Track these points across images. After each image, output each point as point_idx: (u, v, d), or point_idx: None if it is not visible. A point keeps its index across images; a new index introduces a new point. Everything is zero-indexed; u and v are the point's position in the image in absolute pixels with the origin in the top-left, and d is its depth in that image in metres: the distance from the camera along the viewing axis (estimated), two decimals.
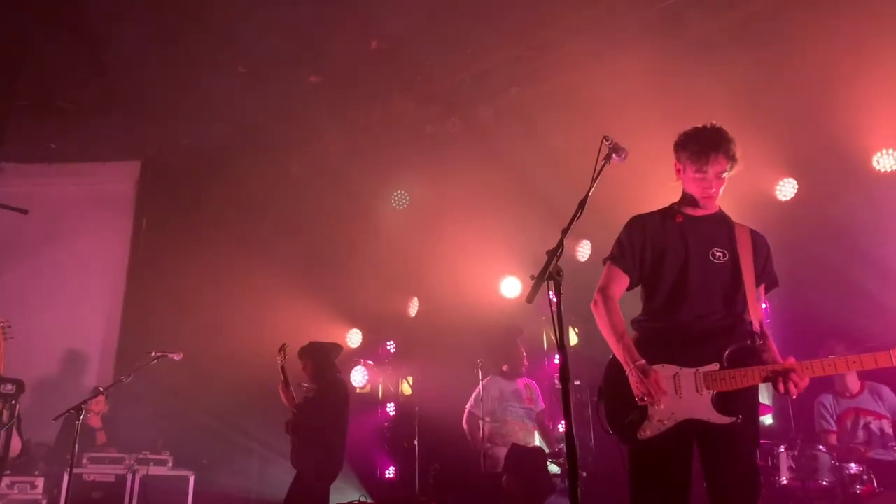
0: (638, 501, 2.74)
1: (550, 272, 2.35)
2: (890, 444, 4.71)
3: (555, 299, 2.38)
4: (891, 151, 5.50)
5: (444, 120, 7.17)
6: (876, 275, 4.53)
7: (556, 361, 2.51)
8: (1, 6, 6.10)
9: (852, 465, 4.38)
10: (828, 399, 5.05)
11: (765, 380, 2.68)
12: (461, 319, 7.08)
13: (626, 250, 2.96)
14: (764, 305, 3.02)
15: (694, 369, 2.73)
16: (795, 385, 2.64)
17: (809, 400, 5.18)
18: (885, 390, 4.95)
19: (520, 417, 5.81)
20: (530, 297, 2.33)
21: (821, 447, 4.52)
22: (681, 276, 2.86)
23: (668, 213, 3.01)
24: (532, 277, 2.36)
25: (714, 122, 2.95)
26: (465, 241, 6.96)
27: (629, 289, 3.00)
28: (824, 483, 4.37)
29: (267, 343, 7.18)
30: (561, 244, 2.42)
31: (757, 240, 2.95)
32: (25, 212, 8.13)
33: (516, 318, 6.43)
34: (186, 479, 6.18)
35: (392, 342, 8.01)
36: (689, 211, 2.98)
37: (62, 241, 8.32)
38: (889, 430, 4.81)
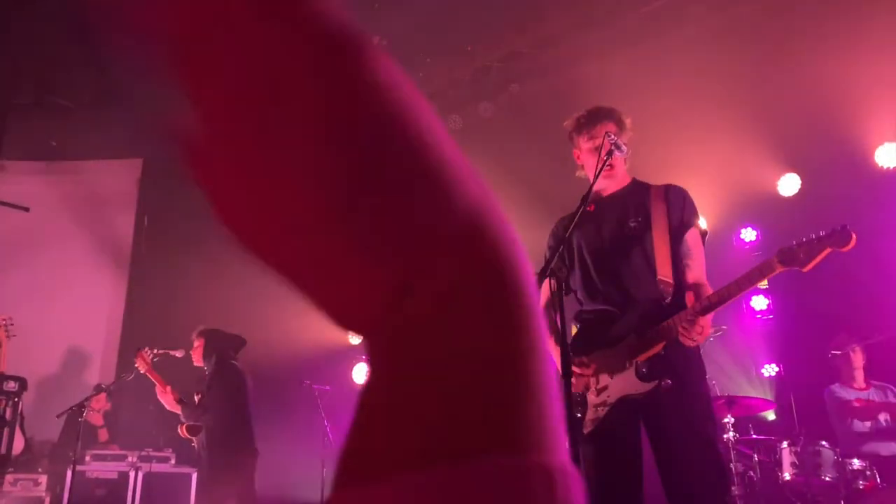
0: (588, 492, 2.68)
1: (552, 269, 2.35)
2: (892, 438, 4.71)
3: (557, 298, 2.39)
4: (893, 146, 5.48)
5: (444, 117, 7.16)
6: (881, 271, 4.51)
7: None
8: (1, 3, 6.10)
9: (855, 460, 4.38)
10: (836, 386, 5.05)
11: (669, 335, 2.57)
12: None
13: (547, 259, 2.95)
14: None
15: (617, 346, 2.70)
16: (685, 329, 2.53)
17: (812, 395, 5.17)
18: (891, 388, 4.95)
19: None
20: None
21: (824, 443, 4.51)
22: (596, 258, 2.85)
23: (581, 205, 2.97)
24: (534, 274, 2.36)
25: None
26: None
27: (566, 293, 2.96)
28: (827, 479, 4.37)
29: (272, 339, 7.20)
30: (562, 240, 2.43)
31: (670, 192, 2.86)
32: (27, 209, 8.14)
33: None
34: (189, 477, 6.18)
35: None
36: (603, 193, 2.95)
37: (63, 239, 8.32)
38: (894, 425, 4.81)
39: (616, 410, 2.66)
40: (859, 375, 5.01)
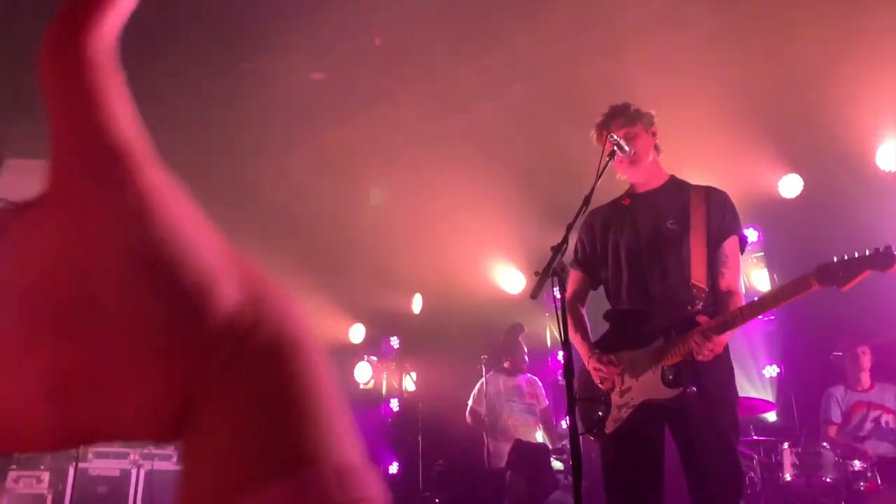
0: (608, 494, 2.69)
1: (555, 268, 2.35)
2: (894, 439, 4.71)
3: (559, 295, 2.39)
4: (893, 143, 5.48)
5: (446, 117, 7.17)
6: (884, 275, 4.49)
7: (560, 358, 2.49)
8: (3, 1, 6.11)
9: (856, 462, 4.38)
10: (839, 391, 5.04)
11: (685, 348, 2.55)
12: (464, 315, 7.10)
13: (578, 250, 2.96)
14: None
15: (645, 349, 2.67)
16: (697, 345, 2.50)
17: (813, 396, 5.18)
18: (893, 388, 4.94)
19: (520, 413, 5.83)
20: (535, 294, 2.33)
21: (825, 444, 4.52)
22: (632, 258, 2.80)
23: (618, 199, 2.97)
24: (536, 274, 2.36)
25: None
26: (469, 237, 6.98)
27: (594, 287, 2.98)
28: (828, 480, 4.38)
29: None
30: (565, 240, 2.43)
31: (712, 197, 2.81)
32: None
33: (519, 313, 6.44)
34: None
35: (395, 338, 8.03)
36: (638, 189, 2.91)
37: None
38: (894, 426, 4.81)
39: (639, 413, 2.65)
40: (865, 377, 5.00)
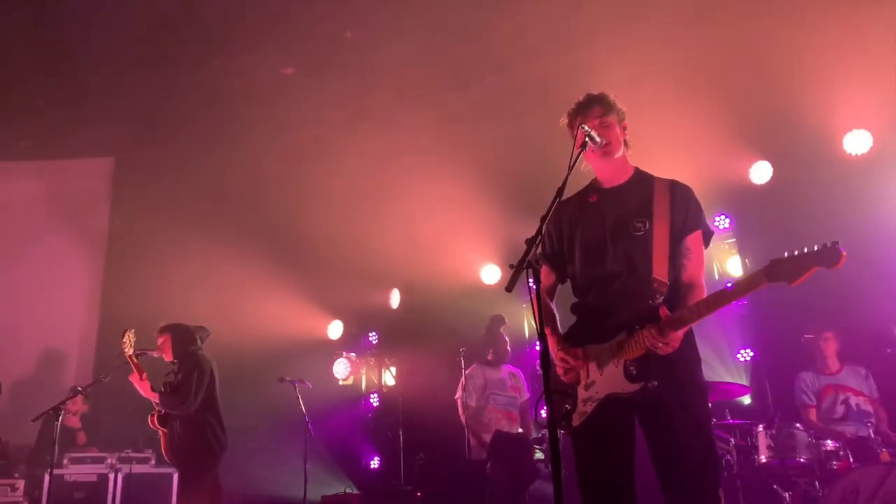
0: (581, 489, 2.69)
1: (529, 261, 2.34)
2: (866, 420, 4.81)
3: (534, 287, 2.39)
4: (861, 133, 5.57)
5: (419, 110, 7.14)
6: (853, 257, 4.57)
7: (538, 348, 2.51)
8: None
9: (829, 441, 4.47)
10: (808, 375, 5.14)
11: (643, 344, 2.54)
12: (442, 309, 7.10)
13: (546, 245, 2.95)
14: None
15: (608, 343, 2.67)
16: (653, 341, 2.49)
17: (787, 379, 5.26)
18: (862, 370, 5.05)
19: (503, 406, 5.85)
20: (510, 286, 2.32)
21: (798, 425, 4.60)
22: (598, 254, 2.80)
23: (584, 194, 2.94)
24: (511, 266, 2.35)
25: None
26: (445, 231, 6.98)
27: (561, 282, 2.98)
28: (802, 460, 4.45)
29: (248, 337, 7.16)
30: (540, 232, 2.42)
31: (676, 191, 2.80)
32: None
33: (497, 305, 6.46)
34: (170, 477, 6.14)
35: (374, 333, 8.02)
36: (605, 184, 2.91)
37: (37, 240, 8.19)
38: (866, 407, 4.91)
39: (604, 407, 2.64)
40: (832, 361, 5.10)
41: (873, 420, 4.83)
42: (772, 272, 2.35)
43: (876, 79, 5.17)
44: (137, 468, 6.11)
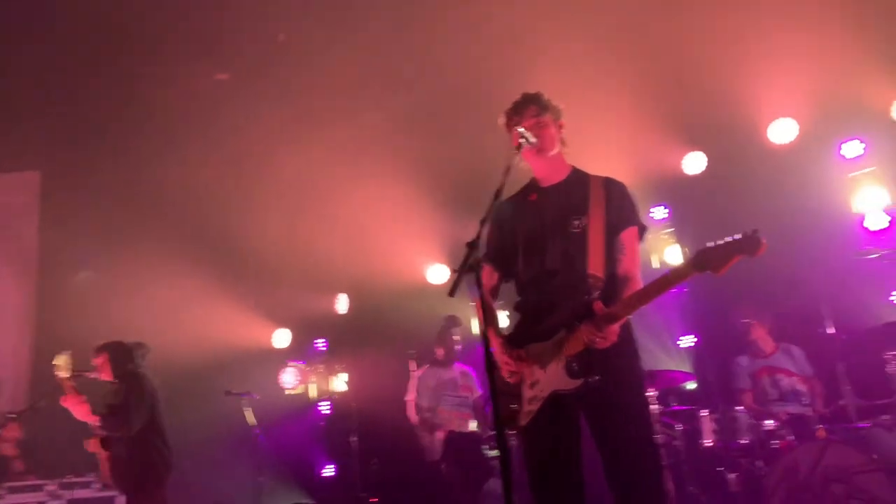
0: (531, 487, 2.72)
1: (471, 264, 2.35)
2: (801, 400, 5.00)
3: (477, 290, 2.41)
4: (787, 122, 5.78)
5: (359, 113, 7.09)
6: (786, 242, 4.73)
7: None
8: None
9: (769, 421, 4.62)
10: (743, 360, 5.30)
11: (581, 339, 2.58)
12: (391, 311, 7.06)
13: (489, 245, 2.99)
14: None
15: (550, 340, 2.71)
16: (590, 336, 2.54)
17: (728, 363, 5.41)
18: (796, 350, 5.23)
19: (455, 406, 5.86)
20: (452, 291, 2.32)
21: (739, 408, 4.75)
22: (538, 252, 2.84)
23: (524, 193, 2.99)
24: (454, 271, 2.36)
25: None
26: (390, 233, 6.94)
27: (505, 280, 3.01)
28: (744, 442, 4.61)
29: (192, 350, 6.98)
30: (480, 235, 2.43)
31: (611, 188, 2.87)
32: None
33: (446, 305, 6.46)
34: (113, 501, 5.94)
35: (322, 340, 7.92)
36: (543, 183, 2.96)
37: None
38: (800, 387, 5.09)
39: (548, 405, 2.67)
40: (764, 344, 5.28)
41: (807, 398, 5.02)
42: (698, 262, 2.43)
43: (799, 67, 5.37)
44: (80, 493, 5.89)
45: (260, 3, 6.11)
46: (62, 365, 5.03)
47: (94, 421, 4.97)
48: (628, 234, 2.83)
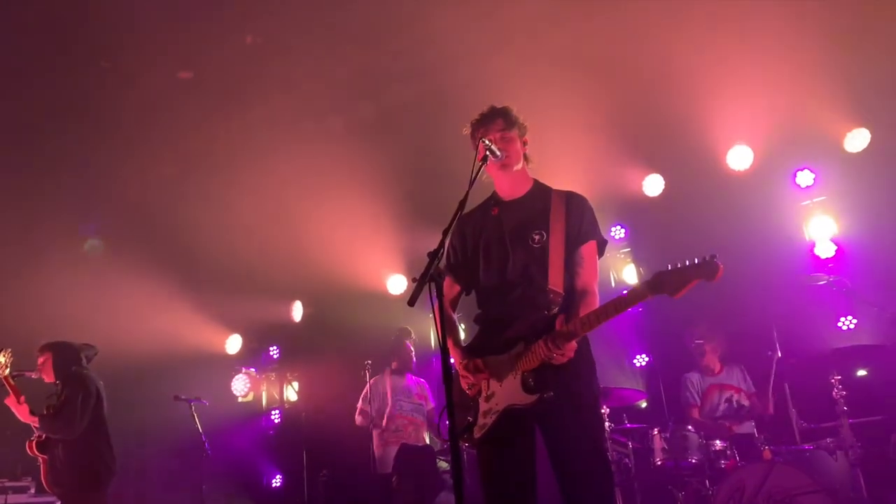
0: (485, 500, 2.71)
1: (432, 274, 2.33)
2: (744, 415, 5.11)
3: (437, 301, 2.38)
4: (742, 148, 5.93)
5: (322, 118, 7.03)
6: (739, 267, 4.83)
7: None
8: None
9: (717, 441, 4.70)
10: (694, 376, 5.40)
11: (540, 355, 2.59)
12: (347, 321, 7.00)
13: (450, 256, 2.99)
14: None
15: (507, 354, 2.71)
16: (548, 352, 2.55)
17: (679, 383, 5.49)
18: (740, 368, 5.36)
19: (409, 412, 5.86)
20: (412, 301, 2.30)
21: (689, 427, 4.82)
22: (498, 265, 2.85)
23: (486, 206, 3.00)
24: (414, 280, 2.34)
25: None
26: (349, 242, 6.89)
27: (466, 293, 3.02)
28: (693, 461, 4.67)
29: (140, 353, 6.79)
30: (442, 245, 2.42)
31: (571, 202, 2.88)
32: None
33: (403, 316, 6.44)
34: None
35: (275, 347, 7.80)
36: (505, 197, 2.97)
37: None
38: (744, 402, 5.21)
39: (503, 419, 2.66)
40: (713, 362, 5.39)
41: (748, 412, 5.12)
42: (655, 284, 2.46)
43: (757, 96, 5.52)
44: (14, 498, 5.68)
45: (228, 3, 6.02)
46: (2, 363, 4.85)
47: (32, 422, 4.79)
48: (588, 248, 2.85)
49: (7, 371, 4.86)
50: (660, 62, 5.56)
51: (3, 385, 4.87)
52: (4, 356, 4.88)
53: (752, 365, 5.32)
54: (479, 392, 2.76)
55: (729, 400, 5.25)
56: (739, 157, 5.95)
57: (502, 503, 2.67)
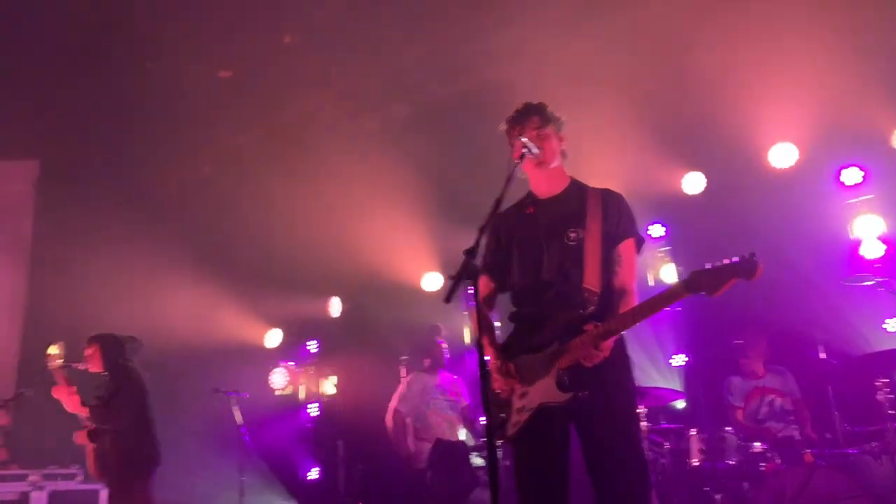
0: (518, 496, 2.71)
1: (468, 272, 2.34)
2: (789, 419, 5.02)
3: (472, 299, 2.40)
4: (787, 146, 5.80)
5: (360, 117, 7.09)
6: (780, 267, 4.74)
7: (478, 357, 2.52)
8: None
9: (756, 443, 4.62)
10: (736, 380, 5.31)
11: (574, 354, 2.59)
12: (384, 317, 7.05)
13: (486, 255, 2.98)
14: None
15: (542, 352, 2.70)
16: (583, 350, 2.56)
17: (719, 384, 5.42)
18: (787, 373, 5.25)
19: (443, 409, 5.87)
20: (448, 298, 2.31)
21: (728, 429, 4.75)
22: (534, 264, 2.84)
23: (521, 205, 2.98)
24: (450, 277, 2.35)
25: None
26: (386, 239, 6.94)
27: (501, 291, 3.01)
28: (731, 463, 4.60)
29: (183, 346, 6.95)
30: (478, 243, 2.43)
31: (608, 200, 2.86)
32: None
33: (439, 313, 6.46)
34: (97, 494, 5.90)
35: (314, 342, 7.91)
36: (541, 195, 2.95)
37: None
38: (788, 407, 5.11)
39: (537, 417, 2.66)
40: (756, 365, 5.29)
41: (794, 418, 5.02)
42: (691, 284, 2.43)
43: (801, 93, 5.39)
44: (62, 485, 5.86)
45: (268, 4, 6.11)
46: (55, 354, 5.00)
47: (83, 412, 4.94)
48: (626, 246, 2.82)
49: (59, 362, 5.01)
50: (701, 58, 5.47)
51: (53, 376, 5.03)
52: (58, 349, 5.03)
53: (795, 368, 5.22)
54: (513, 390, 2.77)
55: (770, 404, 5.15)
56: (783, 155, 5.83)
57: (535, 501, 2.68)
